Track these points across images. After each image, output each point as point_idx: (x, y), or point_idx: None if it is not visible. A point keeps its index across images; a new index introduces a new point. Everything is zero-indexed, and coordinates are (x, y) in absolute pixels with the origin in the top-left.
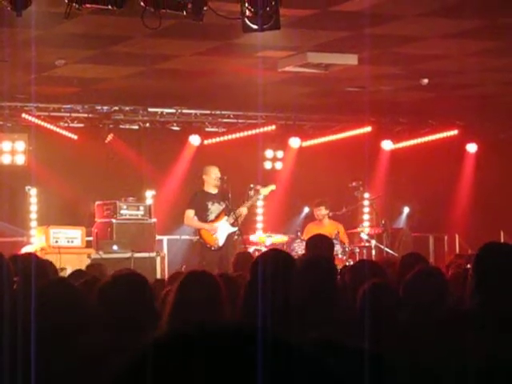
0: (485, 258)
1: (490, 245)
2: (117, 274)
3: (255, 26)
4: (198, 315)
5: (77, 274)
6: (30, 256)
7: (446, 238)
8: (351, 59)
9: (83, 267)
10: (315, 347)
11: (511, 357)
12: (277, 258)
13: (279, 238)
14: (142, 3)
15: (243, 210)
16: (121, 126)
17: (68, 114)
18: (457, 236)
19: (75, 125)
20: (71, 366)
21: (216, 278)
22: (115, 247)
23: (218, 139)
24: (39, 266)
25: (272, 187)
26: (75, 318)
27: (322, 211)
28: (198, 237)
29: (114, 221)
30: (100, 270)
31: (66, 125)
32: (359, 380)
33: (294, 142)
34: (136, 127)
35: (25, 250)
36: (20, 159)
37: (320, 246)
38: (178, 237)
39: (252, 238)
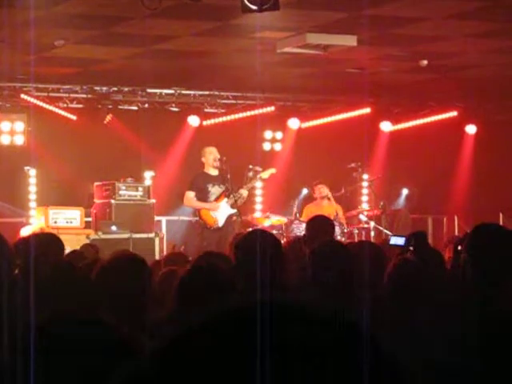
0: (476, 241)
1: (481, 226)
2: (117, 255)
3: (254, 7)
4: (203, 299)
5: (73, 254)
6: (32, 238)
7: (444, 219)
8: (350, 40)
9: None
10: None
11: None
12: (261, 236)
13: (278, 219)
14: None
15: (243, 193)
16: (120, 107)
17: (67, 95)
18: (456, 218)
19: (74, 105)
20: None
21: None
22: (114, 228)
23: (216, 120)
24: (41, 248)
25: (272, 170)
26: (78, 300)
27: (325, 190)
28: (197, 218)
29: (112, 201)
30: (94, 251)
31: (65, 105)
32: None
33: (293, 124)
34: (135, 108)
35: (24, 230)
36: (19, 139)
37: (320, 227)
38: (176, 218)
39: (251, 219)
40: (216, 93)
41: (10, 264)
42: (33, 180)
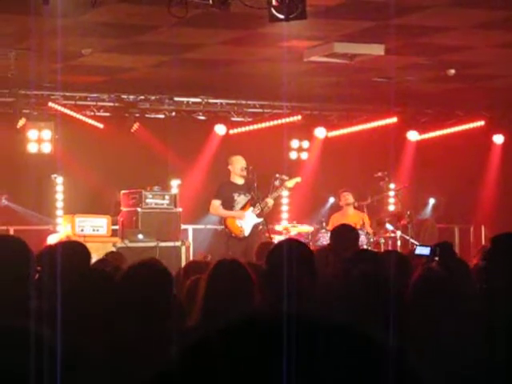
0: (494, 248)
1: (502, 235)
2: (135, 263)
3: (281, 16)
4: (228, 305)
5: (100, 263)
6: (59, 246)
7: (471, 229)
8: (378, 49)
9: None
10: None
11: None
12: (292, 246)
13: (304, 229)
14: None
15: (269, 202)
16: (147, 115)
17: (94, 103)
18: (483, 227)
19: (101, 114)
20: (99, 355)
21: (246, 267)
22: (140, 236)
23: (243, 129)
24: (68, 256)
25: (297, 179)
26: (103, 307)
27: (350, 198)
28: (223, 226)
29: (139, 210)
30: (119, 259)
31: (92, 114)
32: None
33: (320, 133)
34: (162, 116)
35: (51, 238)
36: (46, 148)
37: (345, 236)
38: (203, 226)
39: (277, 228)
40: (243, 102)
41: (32, 270)
42: (60, 188)
